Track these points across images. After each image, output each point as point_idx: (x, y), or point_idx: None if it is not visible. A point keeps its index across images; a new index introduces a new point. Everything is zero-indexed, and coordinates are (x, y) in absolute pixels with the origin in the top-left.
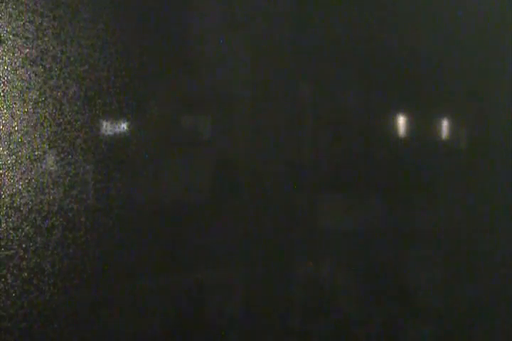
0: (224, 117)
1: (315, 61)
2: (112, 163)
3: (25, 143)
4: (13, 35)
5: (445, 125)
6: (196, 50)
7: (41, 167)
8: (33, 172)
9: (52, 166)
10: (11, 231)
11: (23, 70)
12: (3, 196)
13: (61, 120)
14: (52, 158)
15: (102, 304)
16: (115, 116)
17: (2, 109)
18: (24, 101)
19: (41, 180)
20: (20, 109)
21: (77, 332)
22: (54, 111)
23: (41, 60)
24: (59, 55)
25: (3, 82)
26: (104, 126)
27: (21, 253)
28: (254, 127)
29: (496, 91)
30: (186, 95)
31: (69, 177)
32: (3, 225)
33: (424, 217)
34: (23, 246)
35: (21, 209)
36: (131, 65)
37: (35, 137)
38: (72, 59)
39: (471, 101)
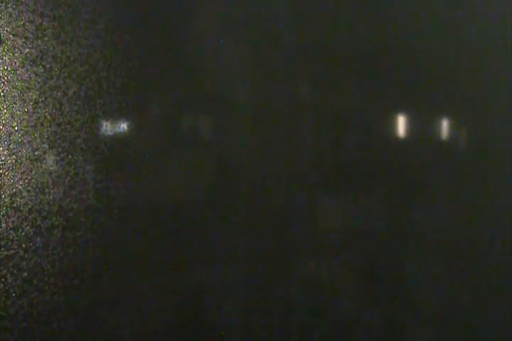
0: (224, 117)
1: (315, 61)
2: (112, 163)
3: (25, 143)
4: (13, 35)
5: (446, 125)
6: (196, 50)
7: (41, 167)
8: (33, 172)
9: (52, 166)
10: (11, 231)
11: (23, 70)
12: (3, 196)
13: (61, 120)
14: (52, 158)
15: (102, 304)
16: (115, 116)
17: (2, 109)
18: (24, 101)
19: (41, 180)
20: (20, 109)
21: (77, 332)
22: (54, 111)
23: (41, 60)
24: (59, 55)
25: (3, 82)
26: (104, 126)
27: (21, 253)
28: (254, 127)
29: (496, 91)
30: (186, 95)
31: (69, 177)
32: (3, 225)
33: (425, 217)
34: (23, 246)
35: (21, 209)
36: (131, 65)
37: (35, 137)
38: (72, 59)
39: (471, 102)
